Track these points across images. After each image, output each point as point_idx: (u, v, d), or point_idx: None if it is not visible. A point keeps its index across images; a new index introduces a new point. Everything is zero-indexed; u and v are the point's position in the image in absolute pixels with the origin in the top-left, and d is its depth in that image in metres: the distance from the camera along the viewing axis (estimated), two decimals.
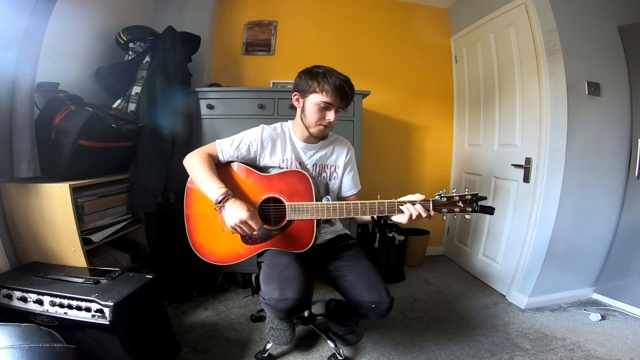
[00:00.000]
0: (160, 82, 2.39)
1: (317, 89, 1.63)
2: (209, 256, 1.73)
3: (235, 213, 1.53)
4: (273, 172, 1.74)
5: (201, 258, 1.74)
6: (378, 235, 3.06)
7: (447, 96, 3.62)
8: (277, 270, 1.59)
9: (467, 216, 1.51)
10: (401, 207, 1.52)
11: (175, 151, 2.47)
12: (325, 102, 1.64)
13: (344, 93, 1.64)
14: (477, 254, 3.21)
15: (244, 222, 1.53)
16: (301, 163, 1.81)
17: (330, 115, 1.67)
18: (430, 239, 3.60)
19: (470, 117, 3.41)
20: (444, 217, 1.53)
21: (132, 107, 2.45)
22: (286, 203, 1.63)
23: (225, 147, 1.75)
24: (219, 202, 1.56)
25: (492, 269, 3.00)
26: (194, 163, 1.69)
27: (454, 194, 1.51)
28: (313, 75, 1.65)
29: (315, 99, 1.65)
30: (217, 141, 1.76)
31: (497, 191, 2.99)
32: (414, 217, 1.50)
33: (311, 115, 1.69)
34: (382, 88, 3.45)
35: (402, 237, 3.12)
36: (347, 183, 1.89)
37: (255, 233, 1.62)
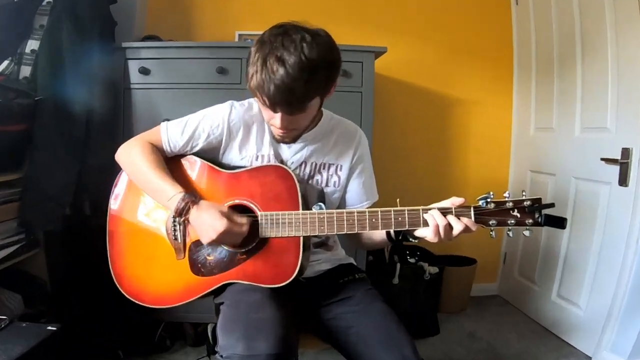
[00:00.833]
0: (69, 33, 2.38)
1: (249, 80, 1.55)
2: (141, 295, 1.72)
3: (205, 229, 1.55)
4: (241, 168, 1.74)
5: (129, 298, 1.73)
6: (399, 265, 3.06)
7: (504, 56, 3.64)
8: (243, 313, 1.56)
9: (526, 232, 1.51)
10: (425, 216, 1.52)
11: (91, 138, 2.46)
12: (261, 104, 1.62)
13: (276, 98, 1.50)
14: (548, 295, 3.22)
15: (225, 234, 1.54)
16: (283, 162, 1.79)
17: (276, 120, 1.61)
18: (479, 272, 3.62)
19: (537, 87, 3.43)
20: (492, 233, 1.52)
21: (25, 71, 2.43)
22: (259, 213, 1.63)
23: (174, 135, 1.73)
24: (180, 214, 1.57)
25: (572, 317, 3.01)
26: (134, 157, 1.68)
27: (507, 199, 1.51)
28: (255, 54, 1.54)
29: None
30: (163, 125, 1.75)
31: (578, 199, 3.00)
32: (441, 230, 1.48)
33: (262, 109, 1.68)
34: (404, 43, 3.47)
35: (435, 269, 3.12)
36: (356, 192, 1.87)
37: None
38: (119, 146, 1.76)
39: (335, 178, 1.85)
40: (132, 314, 2.58)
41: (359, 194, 1.87)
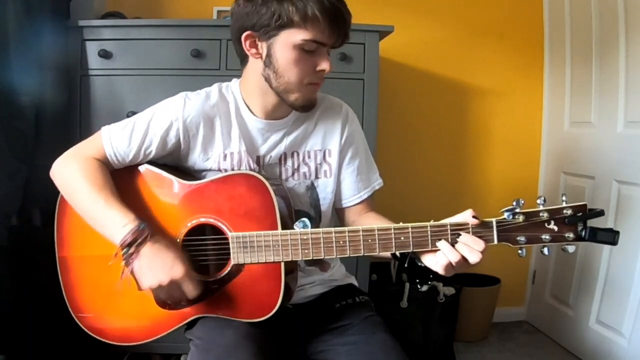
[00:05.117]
0: (15, 8, 2.38)
1: (295, 19, 1.55)
2: (104, 331, 1.70)
3: (160, 267, 1.49)
4: (207, 177, 1.71)
5: (89, 334, 1.71)
6: (408, 286, 3.07)
7: (533, 37, 3.65)
8: (213, 358, 1.56)
9: (569, 247, 1.44)
10: (437, 243, 1.47)
11: (42, 135, 2.46)
12: (315, 41, 1.60)
13: (339, 18, 1.58)
14: (586, 321, 3.22)
15: (176, 284, 1.50)
16: (259, 159, 1.79)
17: (325, 63, 1.62)
18: (503, 293, 3.61)
19: (573, 74, 3.43)
20: (521, 252, 1.48)
21: None
22: (229, 234, 1.60)
23: (120, 145, 1.67)
24: (129, 245, 1.50)
25: (614, 347, 3.00)
26: (72, 179, 1.63)
27: (541, 208, 1.43)
28: None
29: (293, 38, 1.60)
30: (104, 132, 1.69)
31: (622, 206, 3.00)
32: (454, 262, 1.43)
33: (291, 68, 1.63)
34: (414, 21, 3.48)
35: (450, 290, 3.12)
36: (350, 181, 1.86)
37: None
38: (74, 144, 1.72)
39: (325, 167, 1.83)
40: (91, 342, 2.58)
41: (354, 184, 1.86)
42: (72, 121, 2.61)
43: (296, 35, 1.56)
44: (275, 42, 1.60)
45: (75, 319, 1.72)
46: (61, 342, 2.57)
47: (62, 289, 1.73)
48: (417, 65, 3.53)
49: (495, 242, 1.44)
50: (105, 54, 2.61)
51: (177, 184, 1.68)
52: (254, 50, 1.65)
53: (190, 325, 1.69)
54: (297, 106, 1.70)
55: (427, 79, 3.56)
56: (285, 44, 1.59)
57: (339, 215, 1.94)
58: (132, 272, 1.51)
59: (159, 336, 1.67)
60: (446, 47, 3.56)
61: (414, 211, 3.34)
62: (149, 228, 1.52)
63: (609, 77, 3.12)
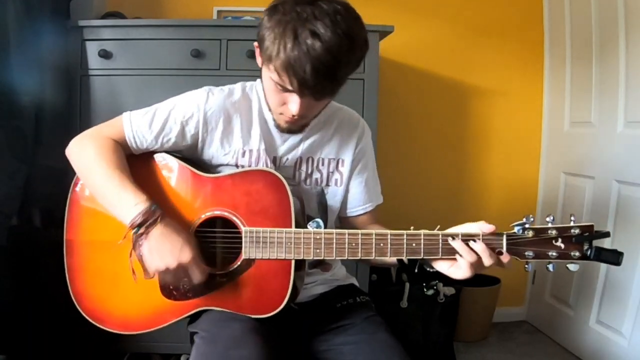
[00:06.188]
0: (15, 7, 2.37)
1: (271, 57, 1.49)
2: (105, 318, 1.68)
3: (169, 250, 1.48)
4: (224, 172, 1.71)
5: (90, 321, 1.70)
6: (408, 286, 3.07)
7: (533, 37, 3.65)
8: (220, 350, 1.52)
9: (571, 266, 1.45)
10: (451, 242, 1.45)
11: (42, 135, 2.46)
12: (277, 84, 1.55)
13: (309, 80, 1.47)
14: (586, 321, 3.21)
15: (183, 268, 1.50)
16: (275, 159, 1.78)
17: (293, 106, 1.56)
18: (503, 293, 3.60)
19: (573, 74, 3.42)
20: (527, 266, 1.49)
21: None
22: (242, 228, 1.60)
23: (140, 128, 1.68)
24: (140, 225, 1.50)
25: (614, 347, 3.00)
26: (87, 156, 1.62)
27: (550, 226, 1.45)
28: (276, 25, 1.48)
29: (269, 72, 1.55)
30: (125, 116, 1.70)
31: (622, 206, 2.98)
32: (471, 261, 1.43)
33: (269, 93, 1.63)
34: (414, 21, 3.48)
35: (450, 290, 3.11)
36: (357, 192, 1.87)
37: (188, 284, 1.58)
38: None
39: (337, 175, 1.84)
40: (91, 342, 2.58)
41: (361, 195, 1.87)
42: (72, 121, 2.61)
43: (272, 73, 1.52)
44: (264, 65, 1.57)
45: (76, 305, 1.70)
46: (61, 342, 2.56)
47: (66, 272, 1.71)
48: (417, 65, 3.53)
49: (505, 251, 1.45)
50: (105, 54, 2.61)
51: (195, 176, 1.68)
52: (258, 59, 1.63)
53: (194, 318, 1.69)
54: (276, 125, 1.71)
55: (427, 79, 3.56)
56: (267, 72, 1.56)
57: (343, 224, 1.95)
58: (140, 256, 1.50)
59: (160, 326, 1.66)
60: (446, 47, 3.56)
61: (414, 211, 3.36)
62: (160, 210, 1.52)
63: (609, 77, 3.12)
